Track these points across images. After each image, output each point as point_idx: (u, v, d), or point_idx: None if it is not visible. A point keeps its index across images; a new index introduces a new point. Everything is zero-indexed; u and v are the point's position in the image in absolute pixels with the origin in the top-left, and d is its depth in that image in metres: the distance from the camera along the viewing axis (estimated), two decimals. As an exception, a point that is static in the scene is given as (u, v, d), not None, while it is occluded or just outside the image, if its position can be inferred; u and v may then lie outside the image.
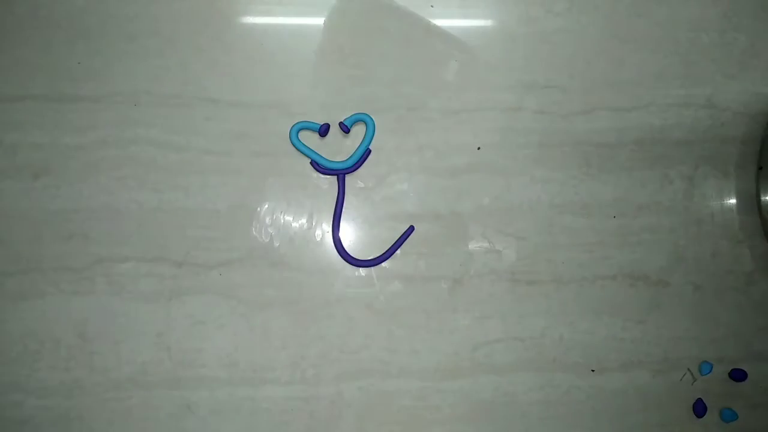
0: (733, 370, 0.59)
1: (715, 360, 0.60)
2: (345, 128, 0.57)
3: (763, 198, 0.60)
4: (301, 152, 0.57)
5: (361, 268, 0.57)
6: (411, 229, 0.57)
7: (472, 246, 0.58)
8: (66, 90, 0.57)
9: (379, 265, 0.57)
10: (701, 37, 0.62)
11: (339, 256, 0.57)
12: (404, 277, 0.58)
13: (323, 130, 0.57)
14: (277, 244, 0.57)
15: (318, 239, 0.57)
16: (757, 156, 0.61)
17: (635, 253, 0.60)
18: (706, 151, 0.61)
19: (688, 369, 0.60)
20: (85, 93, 0.57)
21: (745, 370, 0.59)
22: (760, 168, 0.61)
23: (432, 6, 0.61)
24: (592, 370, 0.59)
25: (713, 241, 0.61)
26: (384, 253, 0.57)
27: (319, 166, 0.57)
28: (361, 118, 0.58)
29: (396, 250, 0.57)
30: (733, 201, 0.61)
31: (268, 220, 0.57)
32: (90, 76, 0.58)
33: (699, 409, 0.58)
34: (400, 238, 0.57)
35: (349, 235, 0.58)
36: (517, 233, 0.59)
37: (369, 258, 0.57)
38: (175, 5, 0.59)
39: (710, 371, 0.58)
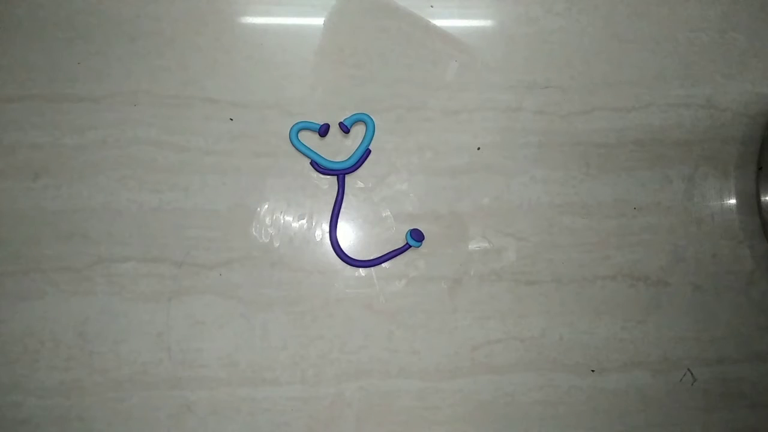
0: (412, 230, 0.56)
1: (715, 360, 0.60)
2: (345, 128, 0.57)
3: (763, 198, 0.60)
4: (301, 152, 0.57)
5: (361, 269, 0.57)
6: (407, 246, 0.57)
7: (472, 246, 0.58)
8: (66, 90, 0.57)
9: (379, 265, 0.57)
10: (701, 37, 0.63)
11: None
12: (404, 277, 0.58)
13: (323, 130, 0.57)
14: (277, 245, 0.57)
15: (318, 239, 0.57)
16: (757, 156, 0.61)
17: (635, 253, 0.60)
18: (706, 152, 0.61)
19: (688, 369, 0.60)
20: (85, 93, 0.57)
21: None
22: (760, 168, 0.61)
23: (432, 6, 0.61)
24: (592, 370, 0.59)
25: (713, 241, 0.61)
26: (377, 257, 0.57)
27: (319, 166, 0.57)
28: (361, 118, 0.58)
29: (389, 259, 0.57)
30: (733, 201, 0.61)
31: (267, 220, 0.57)
32: (90, 76, 0.58)
33: None
34: (395, 250, 0.57)
35: (349, 235, 0.58)
36: (517, 233, 0.59)
37: (366, 259, 0.57)
38: (175, 5, 0.59)
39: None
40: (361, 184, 0.58)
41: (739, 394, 0.60)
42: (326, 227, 0.57)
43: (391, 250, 0.57)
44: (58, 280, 0.56)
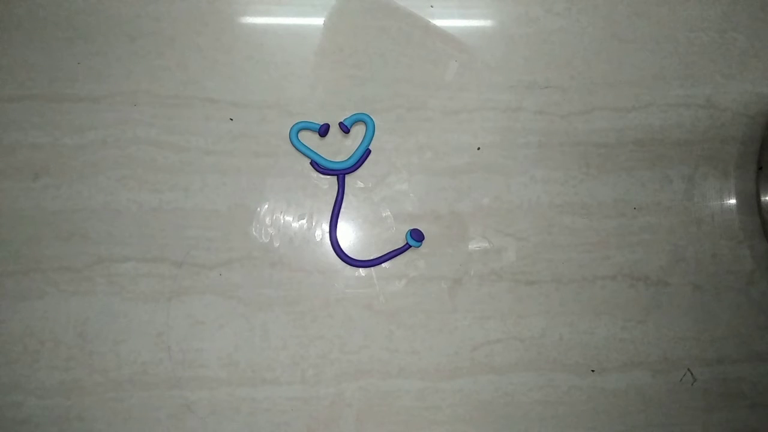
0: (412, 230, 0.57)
1: (715, 360, 0.60)
2: (345, 128, 0.57)
3: (763, 198, 0.60)
4: (301, 152, 0.57)
5: (361, 269, 0.57)
6: (407, 246, 0.57)
7: (472, 246, 0.58)
8: (66, 90, 0.57)
9: (379, 265, 0.57)
10: (701, 37, 0.63)
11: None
12: (404, 277, 0.58)
13: (323, 130, 0.57)
14: (277, 244, 0.57)
15: (318, 239, 0.57)
16: (757, 156, 0.61)
17: (635, 253, 0.60)
18: (706, 151, 0.61)
19: (688, 369, 0.60)
20: (85, 93, 0.57)
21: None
22: (760, 168, 0.61)
23: (432, 6, 0.61)
24: (592, 370, 0.59)
25: (713, 241, 0.61)
26: (377, 257, 0.57)
27: (319, 166, 0.57)
28: (361, 118, 0.58)
29: (389, 259, 0.57)
30: (733, 201, 0.61)
31: (267, 220, 0.57)
32: (90, 76, 0.58)
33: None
34: (395, 250, 0.57)
35: (349, 235, 0.58)
36: (517, 233, 0.59)
37: (366, 259, 0.57)
38: (175, 5, 0.59)
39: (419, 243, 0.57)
40: (361, 184, 0.58)
41: (739, 394, 0.60)
42: (326, 227, 0.57)
43: (391, 250, 0.57)
44: (58, 280, 0.56)
